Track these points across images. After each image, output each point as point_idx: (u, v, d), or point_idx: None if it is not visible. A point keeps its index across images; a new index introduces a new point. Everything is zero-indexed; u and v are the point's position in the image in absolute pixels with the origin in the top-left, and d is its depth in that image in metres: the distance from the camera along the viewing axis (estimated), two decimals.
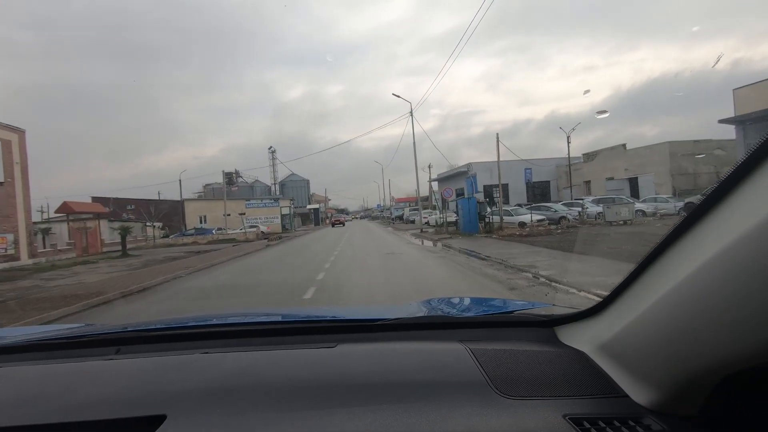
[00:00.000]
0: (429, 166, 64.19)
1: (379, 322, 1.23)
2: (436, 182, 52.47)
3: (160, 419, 0.80)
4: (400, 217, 53.01)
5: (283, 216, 47.10)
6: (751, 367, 0.60)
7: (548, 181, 40.39)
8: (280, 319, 1.56)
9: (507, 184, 40.27)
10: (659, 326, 0.71)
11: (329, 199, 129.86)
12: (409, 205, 61.10)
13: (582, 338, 1.02)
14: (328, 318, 1.52)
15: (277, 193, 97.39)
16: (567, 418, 0.76)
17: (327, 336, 1.21)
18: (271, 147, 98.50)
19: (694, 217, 0.63)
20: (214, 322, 1.47)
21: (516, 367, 0.95)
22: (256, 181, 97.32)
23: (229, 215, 43.06)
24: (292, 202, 52.47)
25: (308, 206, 77.61)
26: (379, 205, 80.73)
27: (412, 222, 40.61)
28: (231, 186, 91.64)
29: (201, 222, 44.45)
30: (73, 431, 0.82)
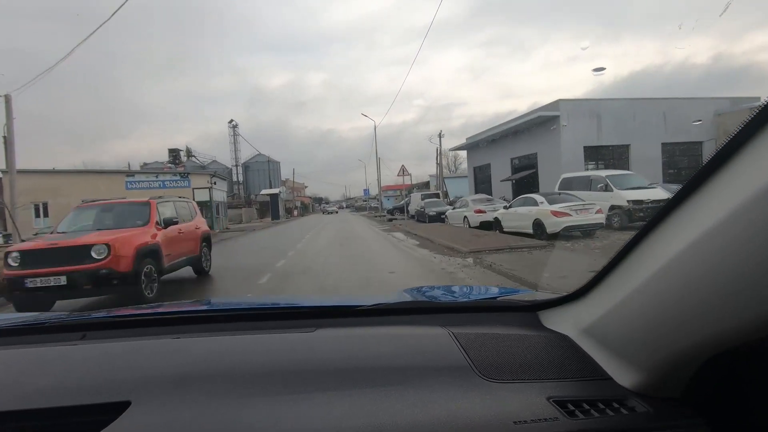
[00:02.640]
0: (440, 135, 44.69)
1: (359, 308, 1.19)
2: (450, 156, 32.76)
3: (124, 406, 0.77)
4: (399, 210, 33.57)
5: (203, 204, 26.27)
6: (732, 349, 0.62)
7: (699, 143, 20.99)
8: (257, 305, 1.45)
9: (627, 146, 21.14)
10: (642, 309, 0.72)
11: (306, 186, 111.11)
12: (410, 192, 41.59)
13: (565, 322, 1.01)
14: (306, 305, 1.40)
15: (240, 177, 78.06)
16: (551, 400, 0.77)
17: (305, 321, 1.15)
18: (231, 120, 78.88)
19: (676, 201, 0.64)
20: (187, 308, 1.42)
21: (499, 351, 0.93)
22: (213, 161, 77.64)
23: (85, 202, 22.93)
24: (213, 180, 28.03)
25: (263, 191, 56.56)
26: (366, 191, 59.08)
27: (438, 219, 21.01)
28: (177, 166, 71.31)
29: (39, 213, 23.91)
30: (31, 419, 0.79)
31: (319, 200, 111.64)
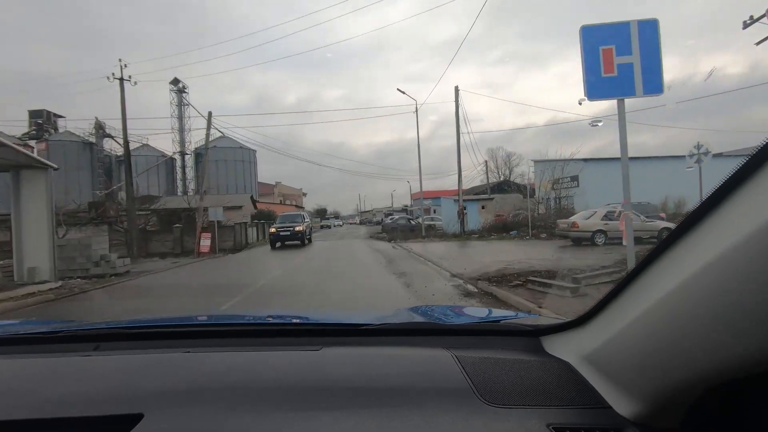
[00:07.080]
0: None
1: (364, 327, 1.21)
2: None
3: (137, 418, 0.78)
4: None
5: None
6: (732, 380, 0.61)
7: None
8: (265, 320, 1.51)
9: None
10: (643, 338, 0.71)
11: (304, 193, 75.60)
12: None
13: (567, 348, 1.00)
14: (313, 321, 1.46)
15: (191, 172, 43.86)
16: (551, 427, 0.77)
17: (312, 339, 1.18)
18: (178, 81, 44.88)
19: (679, 232, 0.64)
20: (198, 321, 1.46)
21: (501, 375, 0.93)
22: (145, 146, 43.60)
23: None
24: None
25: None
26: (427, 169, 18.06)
27: None
28: (37, 141, 37.56)
29: None
30: (45, 428, 0.80)
31: (323, 212, 75.55)
